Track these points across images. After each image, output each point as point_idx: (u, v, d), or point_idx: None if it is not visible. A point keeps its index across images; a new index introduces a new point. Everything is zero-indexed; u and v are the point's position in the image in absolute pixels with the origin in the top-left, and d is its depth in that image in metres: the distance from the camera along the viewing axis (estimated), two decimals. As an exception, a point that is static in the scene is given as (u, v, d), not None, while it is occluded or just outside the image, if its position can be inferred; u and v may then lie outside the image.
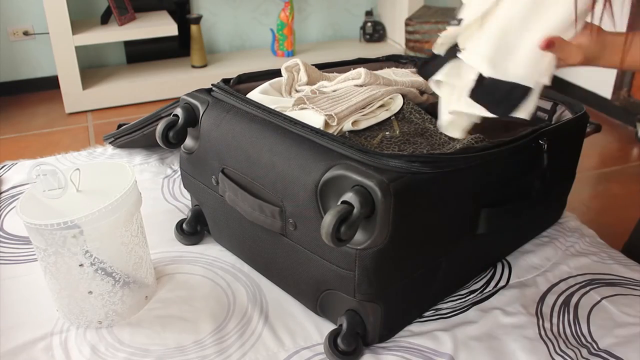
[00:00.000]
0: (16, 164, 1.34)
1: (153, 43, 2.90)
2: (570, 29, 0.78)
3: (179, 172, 1.20)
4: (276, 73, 1.09)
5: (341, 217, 0.68)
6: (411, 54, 2.95)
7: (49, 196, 0.82)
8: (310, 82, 1.06)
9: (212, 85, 1.00)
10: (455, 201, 0.81)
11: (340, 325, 0.82)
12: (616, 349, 0.82)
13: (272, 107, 0.91)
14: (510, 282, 0.96)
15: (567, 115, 1.05)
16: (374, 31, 3.21)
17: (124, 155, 1.37)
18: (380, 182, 0.70)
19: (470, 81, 0.80)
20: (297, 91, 1.06)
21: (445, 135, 0.91)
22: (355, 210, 0.69)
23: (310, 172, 0.77)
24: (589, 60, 0.81)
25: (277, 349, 0.83)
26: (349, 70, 1.08)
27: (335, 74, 1.13)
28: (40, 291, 0.94)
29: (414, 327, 0.87)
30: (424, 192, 0.75)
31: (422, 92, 1.08)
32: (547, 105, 1.09)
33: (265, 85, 1.05)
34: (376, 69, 1.12)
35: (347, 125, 0.91)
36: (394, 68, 1.18)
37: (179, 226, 1.08)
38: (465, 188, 0.81)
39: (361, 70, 1.02)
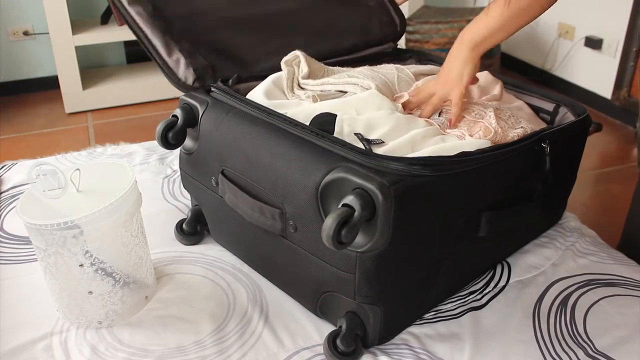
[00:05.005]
0: (16, 164, 1.34)
1: (153, 43, 2.90)
2: None
3: (179, 172, 1.19)
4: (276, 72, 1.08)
5: (342, 220, 0.68)
6: (411, 53, 2.94)
7: (49, 196, 0.82)
8: (311, 74, 1.04)
9: (211, 85, 1.00)
10: (457, 204, 0.81)
11: (340, 327, 0.82)
12: (612, 350, 0.82)
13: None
14: (510, 282, 0.96)
15: (570, 117, 1.04)
16: (374, 31, 3.21)
17: (124, 155, 1.37)
18: (381, 185, 0.70)
19: None
20: (299, 85, 1.04)
21: None
22: (356, 213, 0.69)
23: (311, 175, 0.77)
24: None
25: (277, 349, 0.83)
26: (348, 67, 1.06)
27: (337, 67, 1.11)
28: (40, 291, 0.94)
29: (413, 329, 0.87)
30: (425, 195, 0.75)
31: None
32: (550, 106, 1.08)
33: (268, 82, 1.02)
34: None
35: None
36: (398, 65, 1.17)
37: (179, 226, 1.08)
38: (466, 191, 0.81)
39: (371, 84, 0.99)
